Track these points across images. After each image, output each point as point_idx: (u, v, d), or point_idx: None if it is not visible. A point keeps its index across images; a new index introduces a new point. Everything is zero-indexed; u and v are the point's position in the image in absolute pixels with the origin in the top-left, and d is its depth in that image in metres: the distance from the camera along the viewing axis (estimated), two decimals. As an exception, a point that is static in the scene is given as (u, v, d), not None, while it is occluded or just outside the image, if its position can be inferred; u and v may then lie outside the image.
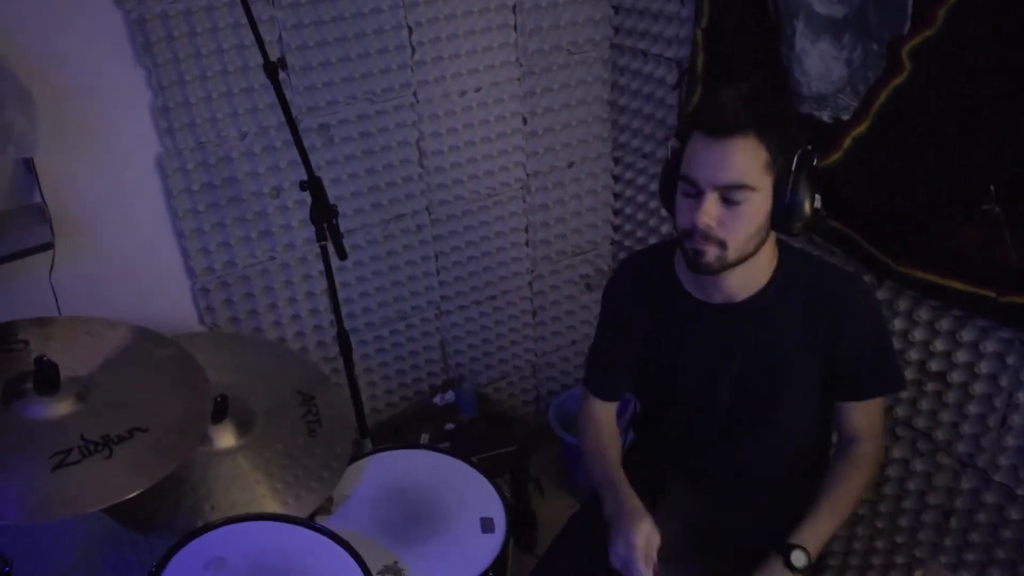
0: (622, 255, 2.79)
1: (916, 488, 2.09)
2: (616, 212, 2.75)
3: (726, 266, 1.52)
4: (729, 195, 1.45)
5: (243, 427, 1.86)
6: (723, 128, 1.44)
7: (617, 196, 2.73)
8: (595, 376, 1.84)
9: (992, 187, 1.69)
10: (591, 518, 1.77)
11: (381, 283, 2.44)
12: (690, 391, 1.70)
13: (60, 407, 1.49)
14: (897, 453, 2.10)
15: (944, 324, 1.90)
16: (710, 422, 1.71)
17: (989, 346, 1.83)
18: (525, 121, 2.46)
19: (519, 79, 2.40)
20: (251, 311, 2.27)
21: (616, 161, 2.67)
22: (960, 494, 1.99)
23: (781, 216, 1.49)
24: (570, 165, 2.60)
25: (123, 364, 1.64)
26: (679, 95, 2.33)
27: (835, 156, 1.97)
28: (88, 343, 1.66)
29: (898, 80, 1.81)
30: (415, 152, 2.33)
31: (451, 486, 1.96)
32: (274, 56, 1.83)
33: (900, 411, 2.05)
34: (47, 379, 1.47)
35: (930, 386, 1.97)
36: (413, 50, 2.21)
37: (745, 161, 1.43)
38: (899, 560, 2.20)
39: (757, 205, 1.46)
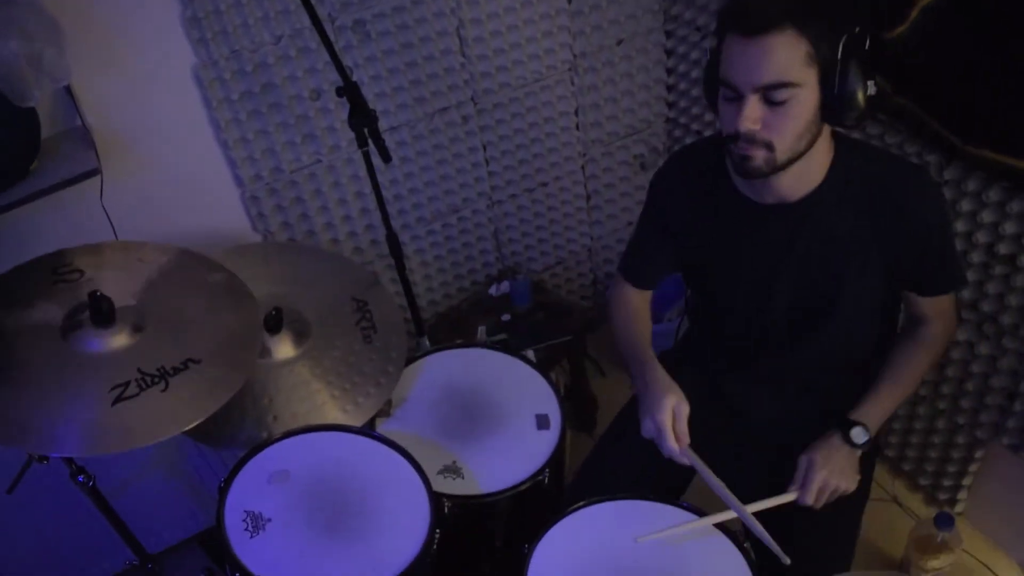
0: (677, 132, 2.69)
1: (980, 371, 2.05)
2: (670, 88, 2.63)
3: (777, 168, 1.44)
4: (771, 95, 1.35)
5: (299, 337, 1.91)
6: (756, 26, 1.32)
7: (670, 72, 2.59)
8: (631, 263, 1.82)
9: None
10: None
11: (430, 177, 2.42)
12: (745, 294, 1.66)
13: (116, 340, 1.54)
14: (962, 336, 2.04)
15: (1015, 206, 1.80)
16: (767, 325, 1.67)
17: (1059, 231, 1.74)
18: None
19: (561, -46, 2.26)
20: (302, 215, 2.29)
21: (668, 35, 2.52)
22: (1025, 378, 1.94)
23: (832, 108, 1.38)
24: (619, 43, 2.47)
25: (175, 290, 1.68)
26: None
27: (901, 28, 1.82)
28: (140, 270, 1.70)
29: (972, -57, 1.64)
30: (455, 41, 2.24)
31: (506, 384, 1.99)
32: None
33: (966, 295, 1.98)
34: (102, 313, 1.51)
35: (998, 269, 1.89)
36: (446, -67, 2.09)
37: (784, 57, 1.32)
38: (960, 440, 2.19)
39: (803, 101, 1.36)
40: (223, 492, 1.59)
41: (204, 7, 1.93)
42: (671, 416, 1.56)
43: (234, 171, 2.16)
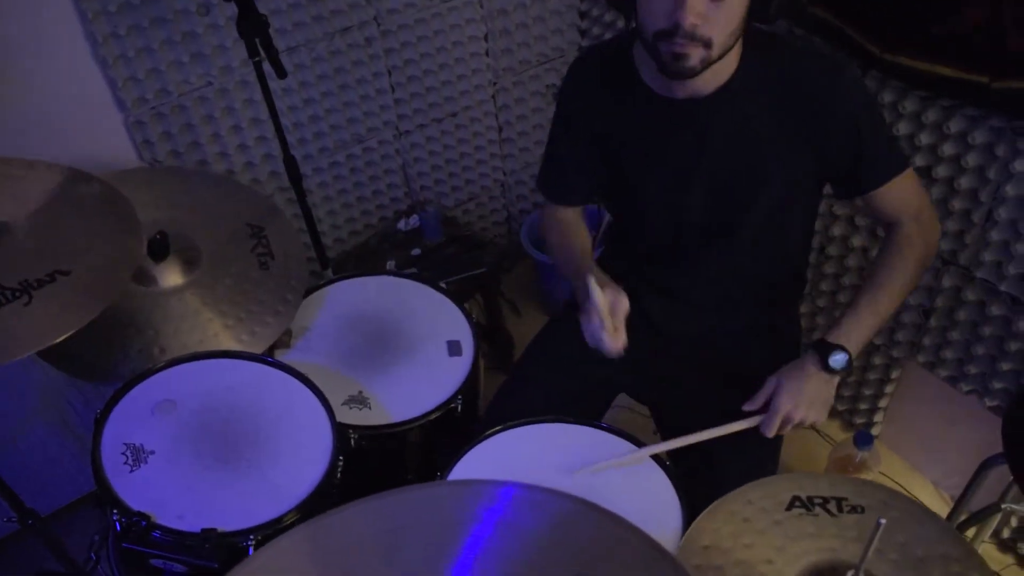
0: (591, 61, 2.61)
1: (896, 289, 2.03)
2: (583, 15, 2.54)
3: (708, 66, 1.36)
4: None
5: (188, 264, 1.77)
6: None
7: (582, -4, 2.51)
8: (551, 180, 1.73)
9: (990, -41, 1.53)
10: (564, 327, 1.72)
11: (332, 104, 2.27)
12: (659, 195, 1.58)
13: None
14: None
15: (931, 115, 1.78)
16: (682, 229, 1.60)
17: (978, 137, 1.72)
18: (477, -88, 2.22)
19: None
20: (193, 143, 2.12)
21: (580, -42, 2.44)
22: (941, 292, 1.93)
23: (761, 4, 1.31)
24: (530, -38, 2.37)
25: (47, 206, 1.52)
26: None
27: (817, -67, 1.77)
28: (7, 187, 1.53)
29: None
30: (355, -46, 2.11)
31: (416, 311, 1.89)
32: None
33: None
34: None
35: (914, 183, 1.87)
36: None
37: None
38: (877, 361, 2.18)
39: None
40: (99, 424, 1.45)
41: (74, -100, 1.75)
42: (608, 311, 1.43)
43: (115, 93, 1.98)
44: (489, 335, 2.49)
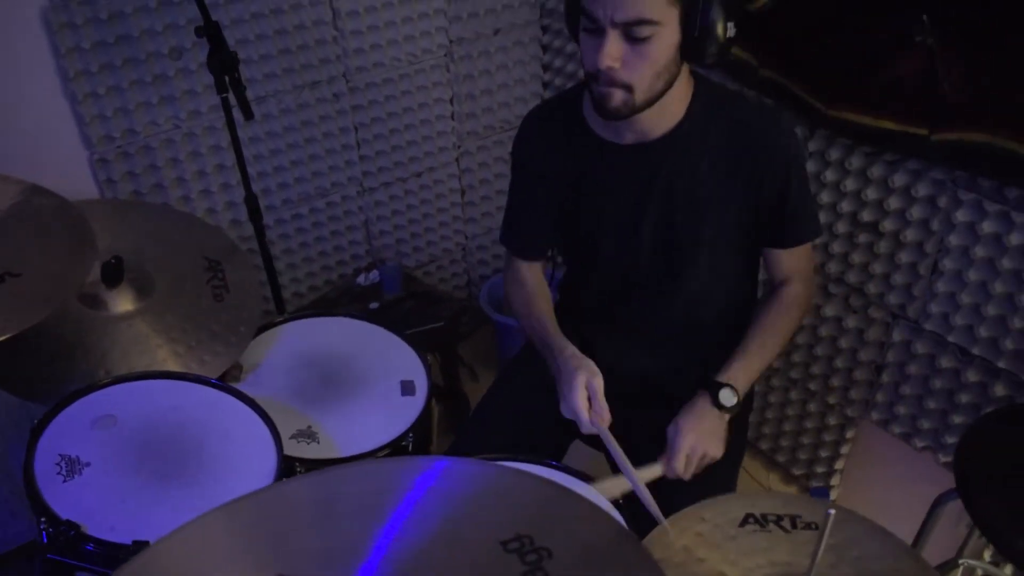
0: (554, 132, 2.69)
1: (848, 346, 2.06)
2: (546, 85, 2.64)
3: (635, 110, 1.42)
4: (632, 31, 1.33)
5: (141, 291, 1.75)
6: None
7: (546, 68, 2.61)
8: (513, 233, 1.75)
9: (925, 16, 1.62)
10: (524, 369, 1.73)
11: (298, 156, 2.31)
12: (611, 239, 1.62)
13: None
14: (830, 311, 2.06)
15: (876, 171, 1.85)
16: (634, 270, 1.63)
17: (921, 189, 1.79)
18: (447, -19, 2.33)
19: (438, -67, 2.26)
20: (156, 185, 2.13)
21: (544, 29, 2.54)
22: (892, 347, 1.96)
23: (691, 47, 1.37)
24: (496, 32, 2.47)
25: (5, 214, 1.51)
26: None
27: (764, 0, 1.88)
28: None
29: (828, -90, 1.72)
30: (328, 12, 2.18)
31: (370, 351, 1.87)
32: None
33: (832, 267, 2.01)
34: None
35: (862, 238, 1.93)
36: None
37: None
38: (832, 422, 2.19)
39: (664, 40, 1.35)
40: (35, 434, 1.40)
41: (56, -60, 1.81)
42: (585, 394, 1.48)
43: (82, 129, 2.00)
44: (445, 396, 2.47)
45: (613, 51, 1.34)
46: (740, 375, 1.54)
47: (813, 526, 1.26)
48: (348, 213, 2.47)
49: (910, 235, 1.84)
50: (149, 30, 1.98)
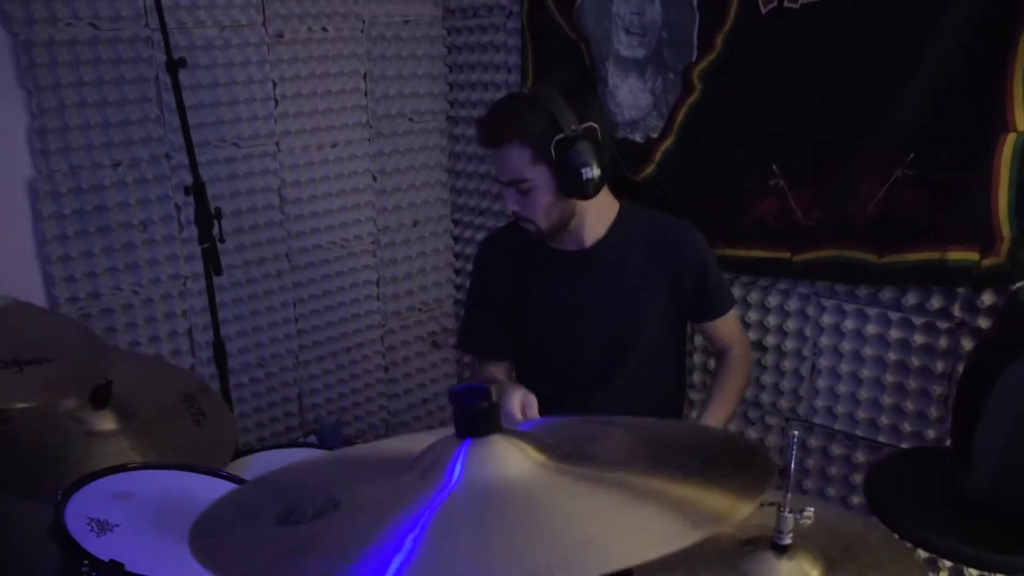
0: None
1: (752, 454, 2.36)
2: (457, 271, 3.00)
3: (548, 234, 1.84)
4: (517, 187, 1.79)
5: (124, 416, 1.84)
6: (492, 141, 1.80)
7: (457, 256, 2.99)
8: (475, 338, 2.02)
9: (774, 166, 2.14)
10: None
11: (242, 327, 2.50)
12: (559, 336, 1.92)
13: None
14: (732, 426, 2.37)
15: (754, 296, 2.28)
16: (581, 366, 1.92)
17: (792, 304, 2.22)
18: (375, 179, 2.72)
19: (369, 140, 2.68)
20: (113, 346, 2.25)
21: (456, 223, 2.96)
22: (790, 448, 2.28)
23: (566, 188, 1.77)
24: (415, 224, 2.86)
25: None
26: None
27: (650, 169, 2.37)
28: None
29: (692, 99, 2.28)
30: (276, 198, 2.50)
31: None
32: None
33: (729, 386, 2.36)
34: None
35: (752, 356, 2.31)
36: (276, 102, 2.45)
37: (515, 161, 1.77)
38: (747, 530, 2.42)
39: (540, 188, 1.78)
40: (62, 500, 1.44)
41: (53, 122, 2.07)
42: (520, 406, 1.70)
43: (49, 289, 2.14)
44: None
45: (510, 200, 1.82)
46: (711, 422, 1.82)
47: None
48: (284, 384, 2.64)
49: (789, 344, 2.24)
50: (122, 203, 2.21)
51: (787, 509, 1.31)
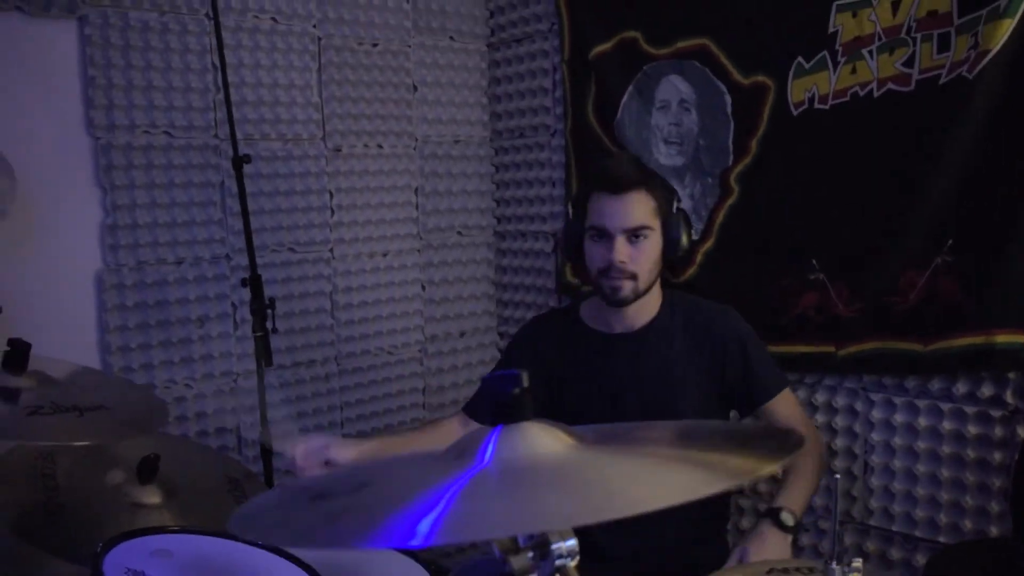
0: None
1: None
2: (503, 384, 3.01)
3: (639, 295, 1.84)
4: (634, 235, 1.82)
5: (169, 492, 1.85)
6: (623, 186, 1.85)
7: (503, 368, 3.02)
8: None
9: (814, 261, 2.17)
10: None
11: (288, 428, 2.53)
12: (597, 412, 1.90)
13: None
14: (784, 532, 2.29)
15: (801, 394, 2.25)
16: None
17: (840, 400, 2.18)
18: (423, 288, 2.81)
19: (419, 251, 2.79)
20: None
21: (501, 335, 3.00)
22: (845, 552, 2.18)
23: (669, 250, 1.85)
24: (462, 334, 2.91)
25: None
26: (555, 260, 2.79)
27: (691, 271, 2.42)
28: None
29: (731, 201, 2.35)
30: (328, 302, 2.59)
31: (375, 565, 1.95)
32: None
33: (779, 489, 2.29)
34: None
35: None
36: (332, 212, 2.59)
37: (641, 208, 1.83)
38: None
39: (653, 240, 1.84)
40: (102, 552, 1.44)
41: (124, 219, 2.22)
42: (304, 453, 1.77)
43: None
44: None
45: (623, 250, 1.80)
46: (791, 500, 1.74)
47: None
48: (327, 488, 2.62)
49: (840, 443, 2.19)
50: (182, 298, 2.32)
51: (834, 560, 1.27)
